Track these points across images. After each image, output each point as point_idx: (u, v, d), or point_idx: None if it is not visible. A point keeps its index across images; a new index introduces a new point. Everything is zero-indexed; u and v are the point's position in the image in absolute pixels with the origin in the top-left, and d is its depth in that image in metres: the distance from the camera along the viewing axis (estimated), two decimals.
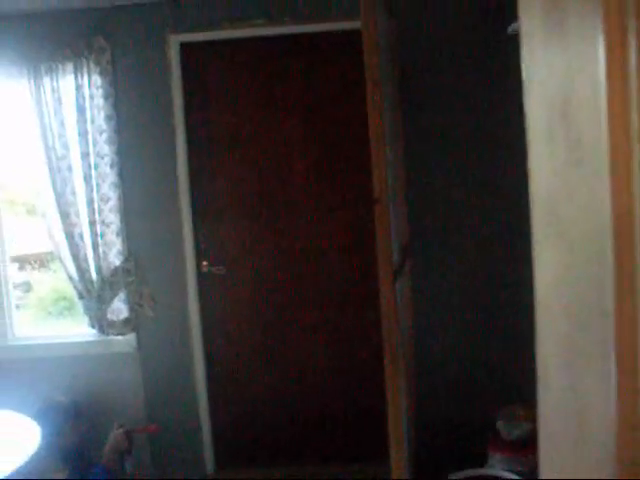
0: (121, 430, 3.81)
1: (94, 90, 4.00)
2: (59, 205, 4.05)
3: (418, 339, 4.01)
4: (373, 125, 2.76)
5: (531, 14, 1.54)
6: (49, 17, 4.01)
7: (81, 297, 4.15)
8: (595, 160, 1.17)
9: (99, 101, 4.01)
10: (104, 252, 4.08)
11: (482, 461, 3.63)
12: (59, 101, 4.01)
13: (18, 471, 2.39)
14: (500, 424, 3.66)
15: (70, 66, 4.00)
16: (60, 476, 3.48)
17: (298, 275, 4.18)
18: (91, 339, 4.24)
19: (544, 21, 1.46)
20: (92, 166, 4.02)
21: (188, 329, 4.17)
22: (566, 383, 1.48)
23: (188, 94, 4.09)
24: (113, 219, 4.07)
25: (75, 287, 4.15)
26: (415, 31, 3.94)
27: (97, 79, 4.01)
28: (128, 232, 4.12)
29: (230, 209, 4.19)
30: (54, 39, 4.00)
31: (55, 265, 4.57)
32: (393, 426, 2.92)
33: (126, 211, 4.10)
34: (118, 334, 4.17)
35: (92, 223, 4.04)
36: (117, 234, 4.08)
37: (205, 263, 4.16)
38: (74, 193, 4.05)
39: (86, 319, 4.18)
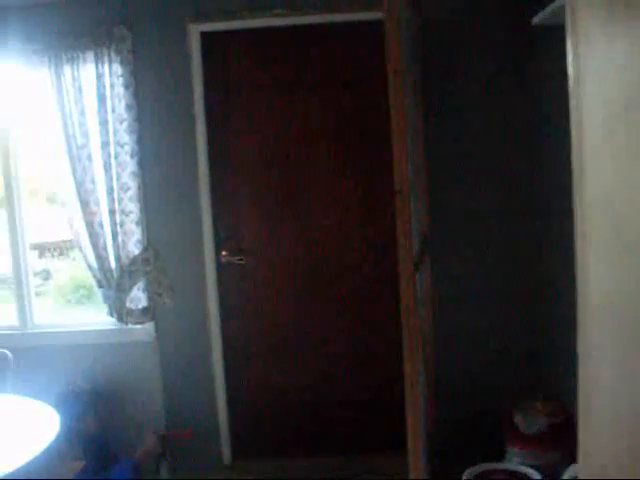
0: (155, 435, 3.84)
1: (115, 79, 4.00)
2: (79, 194, 4.06)
3: (438, 331, 3.99)
4: (394, 115, 2.75)
5: (587, 7, 1.50)
6: (70, 6, 4.01)
7: (100, 286, 4.17)
8: None
9: (120, 90, 4.01)
10: (123, 241, 4.09)
11: (500, 455, 3.62)
12: (80, 90, 4.02)
13: (37, 458, 2.40)
14: (518, 418, 3.64)
15: (91, 55, 4.00)
16: (78, 464, 3.50)
17: (318, 266, 4.17)
18: (110, 328, 4.26)
19: (603, 14, 1.42)
20: (112, 155, 4.03)
21: (206, 318, 4.17)
22: (618, 383, 1.45)
23: (208, 83, 4.08)
24: (133, 208, 4.07)
25: (94, 276, 4.16)
26: (437, 22, 3.90)
27: (118, 68, 4.00)
28: (147, 221, 4.12)
29: (250, 199, 4.19)
30: (75, 28, 4.00)
31: (74, 253, 4.59)
32: (411, 418, 2.92)
33: (146, 200, 4.10)
34: (137, 323, 4.18)
35: (112, 212, 4.05)
36: (137, 223, 4.09)
37: (224, 253, 4.16)
38: (94, 182, 4.06)
39: (105, 308, 4.20)
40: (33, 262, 4.51)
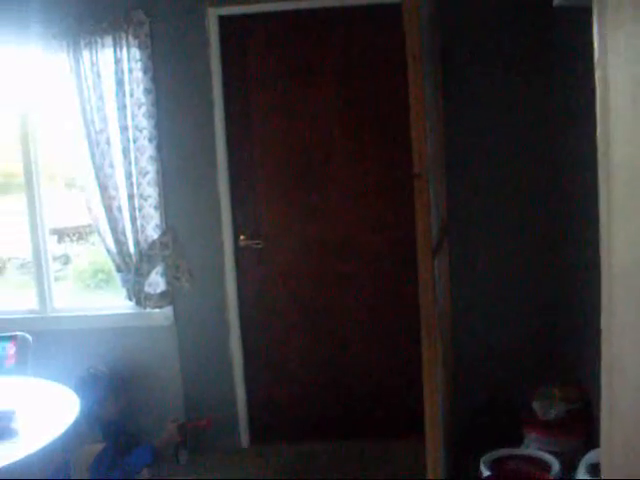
0: (175, 424, 3.87)
1: (133, 64, 4.00)
2: (98, 178, 4.07)
3: (455, 317, 3.99)
4: (413, 99, 2.73)
5: None
6: None
7: (119, 270, 4.18)
8: None
9: (138, 74, 4.01)
10: (142, 225, 4.10)
11: (518, 441, 3.62)
12: (98, 75, 4.02)
13: (56, 440, 2.42)
14: (536, 404, 3.63)
15: (109, 40, 4.00)
16: (97, 446, 3.53)
17: (336, 249, 4.17)
18: (128, 312, 4.28)
19: None
20: (131, 140, 4.03)
21: (225, 302, 4.18)
22: None
23: (227, 67, 4.07)
24: (151, 192, 4.08)
25: (113, 260, 4.18)
26: (456, 5, 3.87)
27: (136, 52, 4.00)
28: (166, 205, 4.13)
29: (268, 183, 4.19)
30: (94, 13, 4.00)
31: (93, 238, 4.60)
32: (428, 403, 2.91)
33: (164, 185, 4.11)
34: (155, 307, 4.20)
35: (130, 196, 4.06)
36: (155, 207, 4.10)
37: (242, 237, 4.16)
38: (113, 166, 4.07)
39: (124, 292, 4.21)
40: (52, 247, 4.53)
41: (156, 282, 4.18)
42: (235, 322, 4.21)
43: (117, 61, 3.99)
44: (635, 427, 1.51)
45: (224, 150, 4.10)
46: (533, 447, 3.53)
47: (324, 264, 4.19)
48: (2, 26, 4.05)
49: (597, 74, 1.56)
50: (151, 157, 4.05)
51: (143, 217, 4.10)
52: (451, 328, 3.94)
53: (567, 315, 3.85)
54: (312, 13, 4.02)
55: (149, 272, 4.15)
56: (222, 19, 4.03)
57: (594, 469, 2.86)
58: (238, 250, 4.19)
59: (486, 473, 3.31)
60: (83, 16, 4.00)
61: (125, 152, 4.03)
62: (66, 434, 2.46)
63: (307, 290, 4.22)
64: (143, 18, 3.98)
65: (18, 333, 3.79)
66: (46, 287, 4.37)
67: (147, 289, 4.17)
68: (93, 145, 4.05)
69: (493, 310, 4.04)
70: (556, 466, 3.28)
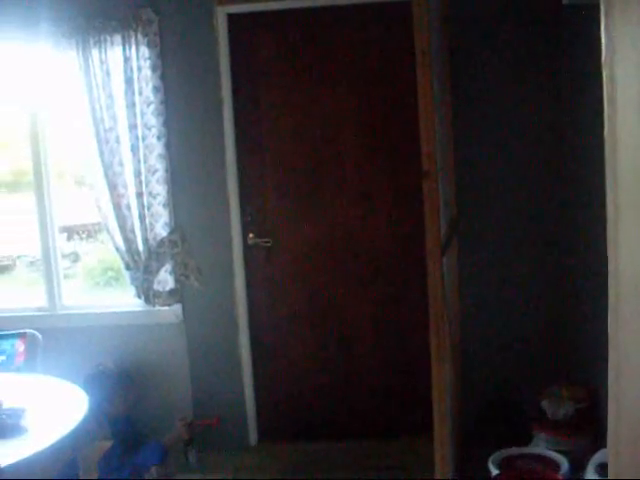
0: (184, 422, 3.87)
1: (142, 62, 4.01)
2: (107, 176, 4.07)
3: (464, 315, 3.98)
4: (422, 97, 2.73)
5: None
6: None
7: (128, 268, 4.19)
8: None
9: (147, 73, 4.01)
10: (151, 223, 4.11)
11: (527, 440, 3.61)
12: (107, 73, 4.03)
13: (65, 437, 2.42)
14: (545, 404, 3.62)
15: (118, 38, 4.00)
16: (106, 444, 3.53)
17: (344, 247, 4.17)
18: (137, 309, 4.29)
19: None
20: (140, 138, 4.04)
21: (233, 300, 4.19)
22: None
23: (235, 65, 4.08)
24: (160, 190, 4.09)
25: (122, 258, 4.19)
26: (465, 1, 3.86)
27: (145, 51, 4.01)
28: (175, 203, 4.14)
29: (277, 181, 4.19)
30: (103, 11, 4.00)
31: (102, 236, 4.61)
32: (437, 402, 2.91)
33: (173, 182, 4.11)
34: (164, 305, 4.20)
35: (139, 194, 4.07)
36: (164, 205, 4.10)
37: (251, 235, 4.16)
38: (122, 164, 4.08)
39: (133, 290, 4.22)
40: (62, 245, 4.54)
41: (165, 280, 4.19)
42: (244, 320, 4.21)
43: (126, 59, 3.99)
44: None
45: (233, 148, 4.10)
46: (542, 446, 3.52)
47: (333, 262, 4.18)
48: (12, 25, 4.06)
49: (604, 72, 1.56)
50: (160, 155, 4.06)
51: (152, 215, 4.10)
52: (459, 326, 3.93)
53: (576, 314, 3.84)
54: (321, 11, 4.02)
55: (158, 270, 4.15)
56: (231, 17, 4.03)
57: (603, 469, 2.85)
58: (247, 248, 4.19)
59: (495, 472, 3.30)
60: (92, 14, 4.00)
61: (134, 150, 4.04)
62: (75, 431, 2.46)
63: (316, 288, 4.21)
64: (152, 16, 3.99)
65: (27, 331, 3.79)
66: (55, 284, 4.38)
67: (156, 287, 4.17)
68: (102, 143, 4.05)
69: (502, 309, 4.03)
70: (565, 465, 3.27)
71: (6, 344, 3.76)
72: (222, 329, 4.21)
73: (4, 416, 2.47)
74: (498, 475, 3.26)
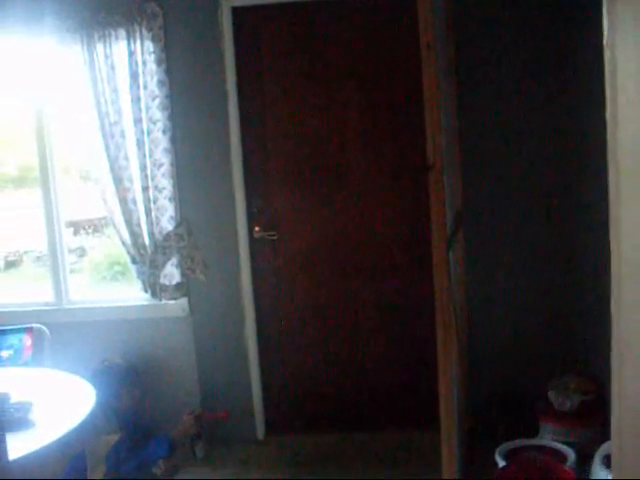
0: (192, 415, 3.88)
1: (146, 56, 4.01)
2: (112, 171, 4.08)
3: (471, 308, 3.98)
4: (427, 90, 2.72)
5: None
6: None
7: (134, 262, 4.20)
8: None
9: (152, 67, 4.01)
10: (157, 217, 4.11)
11: (534, 431, 3.61)
12: (112, 67, 4.03)
13: (73, 431, 2.43)
14: (552, 395, 3.62)
15: (123, 32, 4.00)
16: (113, 437, 3.55)
17: (350, 241, 4.17)
18: (144, 303, 4.29)
19: None
20: (145, 132, 4.04)
21: (240, 294, 4.19)
22: None
23: (240, 59, 4.07)
24: (166, 184, 4.09)
25: (128, 252, 4.20)
26: None
27: (149, 45, 4.00)
28: (180, 197, 4.14)
29: (282, 174, 4.18)
30: (107, 5, 4.00)
31: (109, 230, 4.62)
32: (444, 394, 2.91)
33: (179, 176, 4.11)
34: (170, 298, 4.21)
35: (145, 188, 4.07)
36: (170, 199, 4.11)
37: (257, 228, 4.16)
38: (127, 159, 4.08)
39: (139, 284, 4.23)
40: (68, 239, 4.56)
41: (171, 274, 4.20)
42: (250, 313, 4.22)
43: (131, 53, 3.99)
44: None
45: (238, 141, 4.10)
46: (548, 438, 3.53)
47: (339, 254, 4.18)
48: (17, 20, 4.06)
49: (606, 55, 1.55)
50: (165, 149, 4.06)
51: (158, 209, 4.11)
52: (466, 320, 3.93)
53: (583, 306, 3.83)
54: (325, 4, 4.01)
55: (164, 264, 4.16)
56: (235, 10, 4.03)
57: (609, 460, 2.85)
58: (253, 241, 4.19)
59: (502, 464, 3.31)
60: (97, 9, 4.00)
61: (139, 144, 4.04)
62: (82, 425, 2.46)
63: (322, 280, 4.21)
64: (156, 10, 3.98)
65: (34, 325, 3.81)
66: (62, 279, 4.39)
67: (162, 281, 4.18)
68: (107, 137, 4.06)
69: (508, 301, 4.02)
70: (572, 456, 3.28)
71: (14, 338, 3.78)
72: (229, 322, 4.21)
73: (12, 410, 2.47)
74: (505, 466, 3.27)
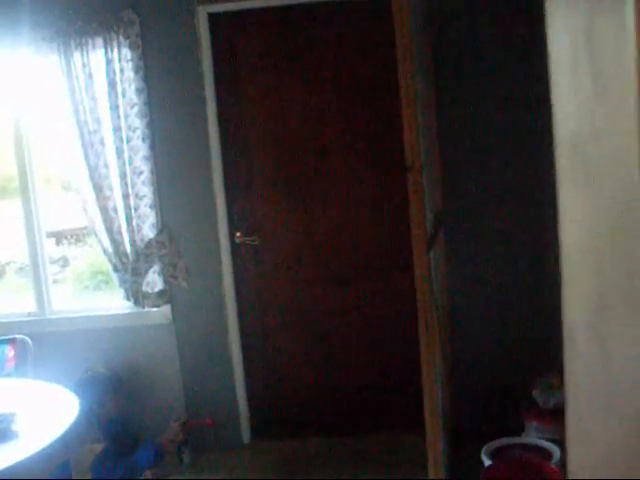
0: (178, 422, 3.87)
1: (124, 63, 4.00)
2: (92, 179, 4.07)
3: (453, 308, 3.99)
4: (404, 91, 2.74)
5: None
6: None
7: (116, 270, 4.19)
8: (620, 93, 1.09)
9: (129, 74, 4.01)
10: (138, 225, 4.11)
11: (519, 430, 3.62)
12: (90, 76, 4.02)
13: (56, 441, 2.42)
14: (536, 393, 3.64)
15: (100, 40, 4.00)
16: (98, 447, 3.53)
17: (332, 244, 4.17)
18: (127, 311, 4.28)
19: None
20: (124, 140, 4.04)
21: (222, 300, 4.18)
22: (595, 347, 1.41)
23: (218, 64, 4.08)
24: (146, 192, 4.08)
25: (110, 260, 4.18)
26: None
27: (127, 52, 4.00)
28: (161, 204, 4.13)
29: (263, 179, 4.18)
30: (83, 14, 4.00)
31: (91, 240, 4.61)
32: (428, 395, 2.92)
33: (159, 183, 4.11)
34: (153, 306, 4.20)
35: (125, 196, 4.07)
36: (150, 207, 4.10)
37: (238, 234, 4.16)
38: (107, 167, 4.08)
39: (122, 292, 4.22)
40: (51, 250, 4.55)
41: (154, 281, 4.19)
42: (234, 319, 4.21)
43: (108, 62, 3.99)
44: (601, 431, 1.50)
45: (218, 147, 4.10)
46: (534, 435, 3.54)
47: (321, 258, 4.19)
48: None
49: (548, 38, 1.56)
50: (145, 156, 4.05)
51: (139, 217, 4.10)
52: (449, 319, 3.94)
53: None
54: (302, 8, 4.02)
55: (146, 271, 4.15)
56: (212, 16, 4.03)
57: None
58: (234, 247, 4.19)
59: (488, 462, 3.32)
60: (73, 17, 3.99)
61: (119, 152, 4.03)
62: (66, 435, 2.46)
63: (305, 284, 4.22)
64: (133, 18, 3.98)
65: (17, 336, 3.80)
66: (44, 289, 4.37)
67: (145, 288, 4.17)
68: (87, 146, 4.05)
69: (491, 301, 4.03)
70: (557, 454, 3.29)
71: None
72: (212, 328, 4.21)
73: None
74: (491, 465, 3.28)
